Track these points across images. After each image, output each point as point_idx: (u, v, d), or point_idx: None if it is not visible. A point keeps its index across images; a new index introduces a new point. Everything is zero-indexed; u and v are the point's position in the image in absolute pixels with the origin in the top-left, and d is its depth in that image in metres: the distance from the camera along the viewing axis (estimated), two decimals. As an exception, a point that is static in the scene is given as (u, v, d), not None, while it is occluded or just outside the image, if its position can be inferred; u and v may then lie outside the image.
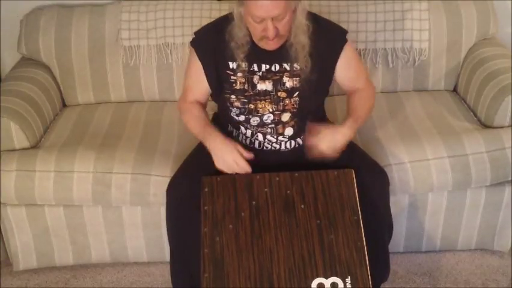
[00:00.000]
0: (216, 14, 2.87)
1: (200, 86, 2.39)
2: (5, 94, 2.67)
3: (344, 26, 2.42)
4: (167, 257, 2.38)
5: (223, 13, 2.87)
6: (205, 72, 2.34)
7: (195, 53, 2.36)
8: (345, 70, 2.36)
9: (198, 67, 2.35)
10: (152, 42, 2.95)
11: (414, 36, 2.93)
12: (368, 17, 2.92)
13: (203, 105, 2.44)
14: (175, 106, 2.94)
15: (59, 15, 2.96)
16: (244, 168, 2.19)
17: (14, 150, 2.59)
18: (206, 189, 2.17)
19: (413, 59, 2.95)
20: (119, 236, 2.65)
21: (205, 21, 2.87)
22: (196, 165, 2.35)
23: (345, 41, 2.33)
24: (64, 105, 3.04)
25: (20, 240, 2.65)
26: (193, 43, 2.37)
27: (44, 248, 2.67)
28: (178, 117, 2.85)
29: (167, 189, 2.31)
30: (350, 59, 2.36)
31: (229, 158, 2.19)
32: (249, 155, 2.21)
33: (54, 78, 2.98)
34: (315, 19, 2.27)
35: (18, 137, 2.58)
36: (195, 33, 2.40)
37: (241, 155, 2.20)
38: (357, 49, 2.92)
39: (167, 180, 2.36)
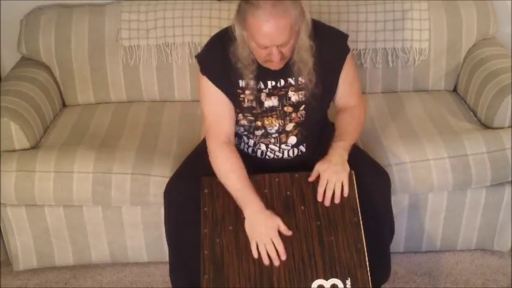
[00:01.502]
0: (215, 14, 2.87)
1: (227, 114, 2.23)
2: (5, 94, 2.66)
3: (344, 26, 2.41)
4: (167, 257, 2.37)
5: (223, 13, 2.90)
6: (227, 96, 2.21)
7: (208, 82, 2.21)
8: (342, 84, 2.30)
9: (217, 95, 2.21)
10: (152, 42, 2.94)
11: (414, 36, 2.92)
12: (368, 17, 2.92)
13: (234, 144, 2.27)
14: (175, 106, 2.96)
15: (59, 15, 2.96)
16: (280, 251, 2.05)
17: (14, 150, 2.59)
18: (206, 190, 2.17)
19: (413, 59, 2.95)
20: (119, 236, 2.65)
21: (205, 21, 2.90)
22: (196, 166, 2.33)
23: (348, 50, 2.27)
24: (64, 105, 3.04)
25: (20, 240, 2.65)
26: (204, 72, 2.22)
27: (44, 248, 2.67)
28: (178, 117, 2.86)
29: (165, 191, 2.29)
30: (348, 72, 2.29)
31: (267, 234, 2.06)
32: (289, 232, 2.07)
33: (54, 78, 2.98)
34: (316, 29, 2.17)
35: (18, 137, 2.58)
36: (200, 59, 2.25)
37: (279, 233, 2.08)
38: (357, 49, 2.92)
39: (167, 181, 2.35)
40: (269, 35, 1.98)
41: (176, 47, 2.94)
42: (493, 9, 2.97)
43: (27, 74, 2.87)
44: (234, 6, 2.19)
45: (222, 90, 2.20)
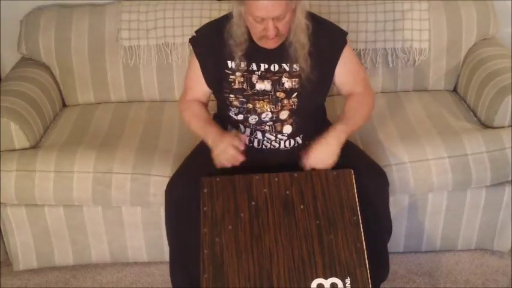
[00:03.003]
0: (215, 14, 2.87)
1: (199, 85, 2.40)
2: (5, 94, 2.67)
3: (344, 26, 2.42)
4: (167, 257, 2.38)
5: (223, 13, 2.88)
6: (202, 70, 2.35)
7: (193, 52, 2.37)
8: (344, 73, 2.35)
9: (197, 66, 2.36)
10: (152, 42, 2.95)
11: (414, 36, 2.93)
12: (368, 17, 2.92)
13: (204, 104, 2.44)
14: (175, 106, 2.95)
15: (59, 15, 2.97)
16: (236, 158, 2.18)
17: (14, 150, 2.59)
18: (205, 190, 2.17)
19: (413, 59, 2.95)
20: (119, 236, 2.65)
21: (205, 21, 2.87)
22: (195, 165, 2.34)
23: (345, 43, 2.33)
24: (64, 105, 3.04)
25: (20, 240, 2.65)
26: (192, 41, 2.38)
27: (44, 248, 2.68)
28: (178, 117, 2.85)
29: (166, 190, 2.31)
30: (349, 62, 2.35)
31: (226, 154, 2.18)
32: (242, 147, 2.19)
33: (54, 78, 2.98)
34: (315, 19, 2.26)
35: (18, 137, 2.58)
36: (195, 31, 2.40)
37: (237, 144, 2.19)
38: (357, 49, 2.92)
39: (167, 180, 2.36)
40: (265, 6, 2.06)
41: (176, 47, 2.95)
42: (493, 9, 2.97)
43: (27, 74, 2.87)
44: (233, 5, 2.20)
45: (203, 65, 2.34)
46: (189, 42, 2.39)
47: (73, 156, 2.54)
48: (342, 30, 2.36)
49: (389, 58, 2.95)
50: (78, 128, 2.80)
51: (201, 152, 2.30)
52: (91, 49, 2.95)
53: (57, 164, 2.52)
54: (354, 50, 2.90)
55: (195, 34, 2.39)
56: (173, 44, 2.95)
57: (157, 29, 2.93)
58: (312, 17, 2.25)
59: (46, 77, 2.92)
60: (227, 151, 2.17)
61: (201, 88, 2.40)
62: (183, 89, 2.49)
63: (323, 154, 2.21)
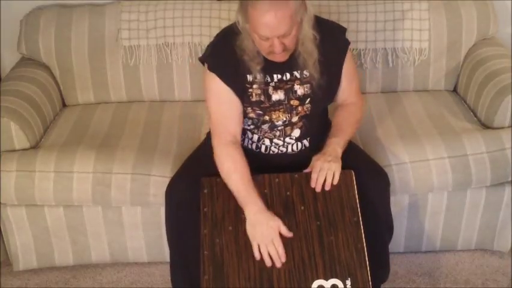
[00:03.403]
0: (216, 14, 2.87)
1: (235, 113, 2.22)
2: (5, 94, 2.66)
3: (344, 26, 2.41)
4: (167, 257, 2.38)
5: (223, 13, 2.90)
6: (236, 94, 2.20)
7: (217, 79, 2.18)
8: (343, 79, 2.32)
9: (225, 93, 2.19)
10: (152, 42, 2.94)
11: (414, 36, 2.92)
12: (368, 17, 2.92)
13: (240, 144, 2.26)
14: (175, 106, 2.96)
15: (59, 15, 2.96)
16: (280, 253, 2.05)
17: (14, 150, 2.59)
18: (205, 191, 2.17)
19: (413, 59, 2.95)
20: (119, 236, 2.65)
21: (205, 21, 2.90)
22: (196, 166, 2.34)
23: (347, 42, 2.30)
24: (64, 105, 3.04)
25: (20, 240, 2.65)
26: (212, 69, 2.19)
27: (44, 248, 2.67)
28: (178, 117, 2.86)
29: (166, 191, 2.30)
30: (348, 67, 2.32)
31: (268, 235, 2.06)
32: (290, 234, 2.08)
33: (54, 78, 2.98)
34: (318, 23, 2.19)
35: (18, 137, 2.58)
36: (207, 57, 2.24)
37: (280, 235, 2.08)
38: (357, 49, 2.92)
39: (167, 181, 2.35)
40: (269, 26, 2.00)
41: (176, 47, 2.94)
42: (493, 9, 2.96)
43: (27, 74, 2.87)
44: (234, 6, 2.21)
45: (231, 87, 2.18)
46: (209, 70, 2.19)
47: (73, 156, 2.54)
48: (341, 27, 2.33)
49: (389, 58, 2.95)
50: (78, 128, 2.80)
51: (202, 153, 2.30)
52: (91, 49, 2.95)
53: (57, 164, 2.52)
54: (354, 50, 2.92)
55: (207, 60, 2.23)
56: (173, 44, 2.94)
57: (157, 29, 2.93)
58: (316, 22, 2.17)
59: (46, 77, 2.92)
60: (272, 235, 2.06)
61: (237, 115, 2.22)
62: (212, 126, 2.25)
63: (327, 170, 2.18)
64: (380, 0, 2.94)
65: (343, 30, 2.33)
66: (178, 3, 2.95)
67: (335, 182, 2.16)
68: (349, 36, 2.35)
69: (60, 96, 3.01)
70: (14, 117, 2.56)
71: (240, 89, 2.20)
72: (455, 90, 3.03)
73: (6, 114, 2.55)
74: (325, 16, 2.72)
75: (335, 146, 2.23)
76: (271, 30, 2.01)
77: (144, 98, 3.02)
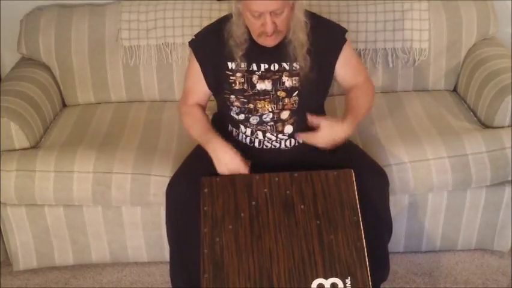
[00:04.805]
0: (215, 14, 2.87)
1: (200, 87, 2.39)
2: (5, 94, 2.67)
3: (344, 26, 2.42)
4: (167, 257, 2.38)
5: (223, 13, 2.88)
6: (203, 73, 2.35)
7: (193, 54, 2.37)
8: (345, 69, 2.36)
9: (197, 68, 2.36)
10: (152, 42, 2.95)
11: (414, 36, 2.93)
12: (368, 17, 2.92)
13: (203, 108, 2.44)
14: (175, 106, 2.94)
15: (59, 15, 2.97)
16: (241, 168, 2.22)
17: (14, 150, 2.59)
18: (205, 190, 2.17)
19: (413, 59, 2.95)
20: (119, 236, 2.65)
21: (205, 21, 2.89)
22: (196, 165, 2.34)
23: (344, 40, 2.34)
24: (64, 105, 3.04)
25: (20, 240, 2.65)
26: (192, 44, 2.38)
27: (44, 248, 2.68)
28: (178, 117, 2.85)
29: (166, 190, 2.31)
30: (349, 57, 2.36)
31: (234, 169, 2.22)
32: (246, 170, 2.23)
33: (54, 78, 2.98)
34: (314, 17, 2.27)
35: (18, 137, 2.58)
36: (195, 34, 2.40)
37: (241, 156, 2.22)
38: (357, 49, 2.92)
39: (167, 180, 2.36)
40: (262, 0, 2.08)
41: (176, 47, 2.95)
42: (493, 9, 2.97)
43: (27, 74, 2.87)
44: (232, 4, 2.21)
45: (202, 66, 2.34)
46: (189, 45, 2.39)
47: (73, 156, 2.54)
48: (341, 27, 2.37)
49: (389, 58, 2.96)
50: (78, 128, 2.80)
51: (201, 152, 2.30)
52: (91, 49, 2.95)
53: (57, 164, 2.52)
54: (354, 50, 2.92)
55: (194, 37, 2.39)
56: (173, 44, 2.95)
57: (157, 29, 2.93)
58: (312, 16, 2.26)
59: (46, 77, 2.92)
60: (231, 163, 2.22)
61: (201, 91, 2.41)
62: (183, 92, 2.49)
63: (331, 134, 2.23)
64: (380, 0, 2.94)
65: (343, 30, 2.36)
66: (178, 3, 2.96)
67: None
68: (349, 36, 2.36)
69: (60, 96, 3.01)
70: (14, 117, 2.56)
71: (217, 74, 2.31)
72: (455, 90, 3.03)
73: (6, 114, 2.55)
74: (325, 16, 2.72)
75: (352, 120, 2.27)
76: (264, 4, 2.08)
77: (144, 98, 3.03)
